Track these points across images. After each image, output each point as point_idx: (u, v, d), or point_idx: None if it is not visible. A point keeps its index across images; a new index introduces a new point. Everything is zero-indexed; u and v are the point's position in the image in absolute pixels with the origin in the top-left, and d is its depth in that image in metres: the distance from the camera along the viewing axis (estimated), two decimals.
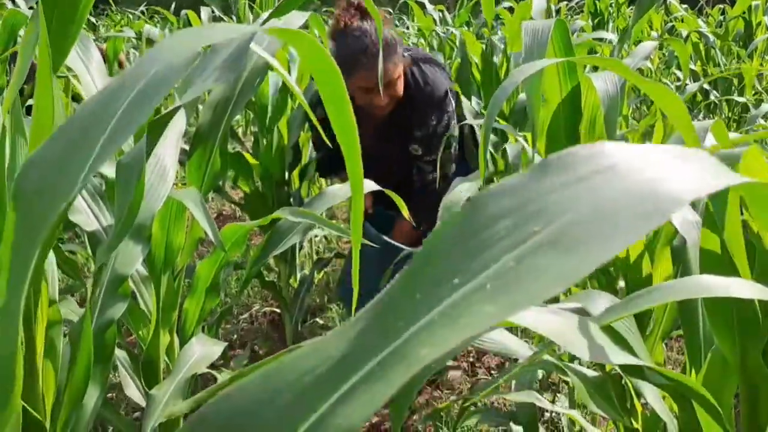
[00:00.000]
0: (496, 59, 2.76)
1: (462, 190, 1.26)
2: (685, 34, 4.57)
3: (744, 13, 4.04)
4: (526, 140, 1.51)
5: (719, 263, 0.85)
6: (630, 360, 0.59)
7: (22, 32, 1.44)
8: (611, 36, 2.58)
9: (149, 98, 0.34)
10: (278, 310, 2.57)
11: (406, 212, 1.26)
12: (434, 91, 1.87)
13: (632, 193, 0.30)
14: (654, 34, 5.69)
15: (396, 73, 1.81)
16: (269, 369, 0.32)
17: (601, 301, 0.70)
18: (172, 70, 0.34)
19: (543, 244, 0.28)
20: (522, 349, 0.91)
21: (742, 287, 0.60)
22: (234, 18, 3.23)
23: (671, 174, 0.32)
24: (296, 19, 1.02)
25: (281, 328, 2.44)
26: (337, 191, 1.22)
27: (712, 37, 4.06)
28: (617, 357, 0.57)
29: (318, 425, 0.29)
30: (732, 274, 0.79)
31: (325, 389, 0.30)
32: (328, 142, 1.78)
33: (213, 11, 4.37)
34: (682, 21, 5.14)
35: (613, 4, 7.06)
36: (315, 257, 2.79)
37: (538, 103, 1.20)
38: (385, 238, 1.77)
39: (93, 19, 8.64)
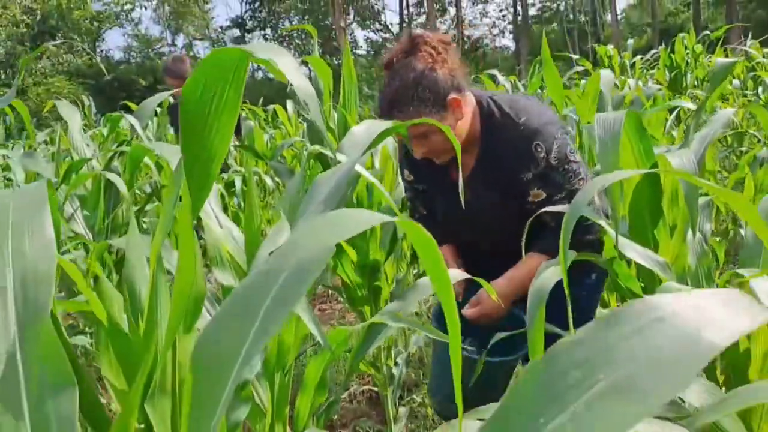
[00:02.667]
0: (571, 131, 2.83)
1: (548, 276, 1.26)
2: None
3: None
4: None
5: None
6: None
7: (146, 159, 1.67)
8: (688, 105, 2.58)
9: (297, 287, 0.45)
10: (375, 388, 2.64)
11: (493, 294, 1.25)
12: (531, 120, 1.54)
13: (679, 342, 0.38)
14: (735, 82, 5.57)
15: (421, 127, 1.50)
16: None
17: None
18: (312, 262, 0.45)
19: (608, 392, 0.36)
20: None
21: None
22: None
23: (712, 321, 0.39)
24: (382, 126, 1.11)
25: (380, 405, 2.51)
26: (430, 283, 1.30)
27: None
28: None
29: None
30: None
31: None
32: (422, 209, 1.79)
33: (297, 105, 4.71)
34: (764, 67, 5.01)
35: (690, 55, 6.98)
36: (407, 332, 2.86)
37: (617, 198, 1.26)
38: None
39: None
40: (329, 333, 1.09)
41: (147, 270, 1.02)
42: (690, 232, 1.60)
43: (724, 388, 1.27)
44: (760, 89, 5.09)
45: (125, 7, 24.64)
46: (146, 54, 27.64)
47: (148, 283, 0.84)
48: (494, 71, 6.14)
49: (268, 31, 30.17)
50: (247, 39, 31.48)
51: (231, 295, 0.51)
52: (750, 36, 8.00)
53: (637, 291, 1.44)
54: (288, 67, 0.71)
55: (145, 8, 26.46)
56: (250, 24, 30.11)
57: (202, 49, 32.52)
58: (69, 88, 18.10)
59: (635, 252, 1.33)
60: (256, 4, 29.03)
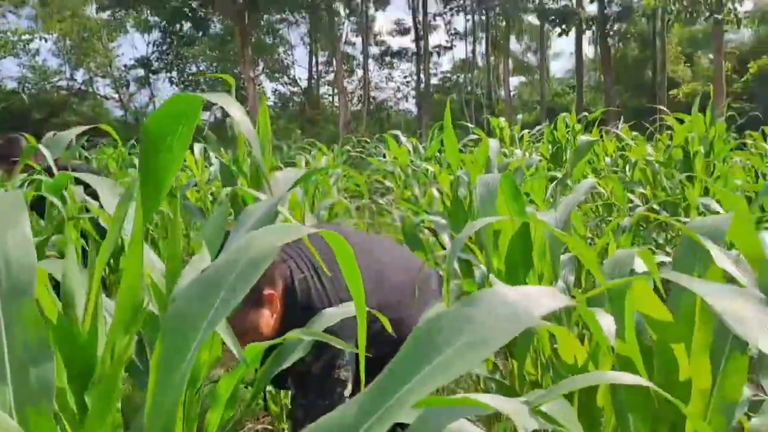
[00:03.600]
0: (463, 190, 3.14)
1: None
2: (634, 160, 5.09)
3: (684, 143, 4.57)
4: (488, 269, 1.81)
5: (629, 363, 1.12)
6: None
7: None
8: (559, 175, 2.97)
9: (250, 275, 0.62)
10: (270, 427, 2.72)
11: None
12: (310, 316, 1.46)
13: (511, 311, 0.58)
14: (608, 159, 6.27)
15: (247, 323, 1.47)
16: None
17: None
18: (261, 259, 0.62)
19: (463, 346, 0.56)
20: None
21: (625, 377, 0.86)
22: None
23: (534, 301, 0.60)
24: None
25: None
26: (335, 312, 1.46)
27: (656, 165, 4.55)
28: None
29: None
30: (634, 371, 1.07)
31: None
32: None
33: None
34: (631, 149, 5.70)
35: (570, 132, 7.74)
36: None
37: (491, 244, 1.51)
38: None
39: (86, 153, 9.09)
40: (245, 350, 1.23)
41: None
42: (555, 281, 1.88)
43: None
44: (627, 167, 5.76)
45: (23, 37, 23.54)
46: (42, 86, 26.40)
47: (92, 292, 0.96)
48: (398, 132, 6.53)
49: (175, 74, 29.80)
50: (152, 80, 30.85)
51: (196, 279, 0.67)
52: (622, 120, 8.97)
53: None
54: (237, 113, 0.89)
55: (45, 40, 25.41)
56: (156, 65, 29.62)
57: (102, 86, 31.49)
58: None
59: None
60: (164, 47, 28.69)
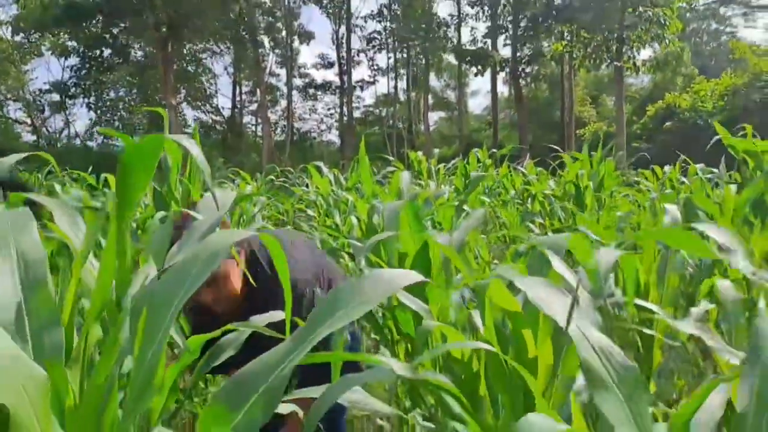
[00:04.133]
0: (377, 217, 3.49)
1: None
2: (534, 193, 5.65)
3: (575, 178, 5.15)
4: None
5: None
6: None
7: None
8: (467, 209, 3.36)
9: (209, 265, 0.91)
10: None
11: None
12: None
13: (390, 280, 0.90)
14: (513, 192, 6.85)
15: (228, 283, 1.79)
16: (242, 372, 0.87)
17: None
18: (218, 253, 0.91)
19: (356, 302, 0.87)
20: (386, 408, 1.44)
21: (479, 344, 1.19)
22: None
23: (402, 276, 0.92)
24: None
25: None
26: (276, 315, 1.73)
27: (552, 198, 5.10)
28: None
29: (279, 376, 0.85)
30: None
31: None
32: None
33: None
34: (533, 184, 6.27)
35: (481, 167, 8.32)
36: None
37: (396, 263, 1.83)
38: None
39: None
40: (189, 340, 1.48)
41: None
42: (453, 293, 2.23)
43: None
44: (530, 199, 6.34)
45: None
46: None
47: (71, 286, 1.20)
48: (320, 163, 6.86)
49: (92, 99, 29.01)
50: (68, 104, 29.86)
51: (169, 271, 0.95)
52: (528, 157, 9.69)
53: (411, 331, 2.01)
54: (193, 150, 1.18)
55: None
56: (73, 90, 28.75)
57: (13, 111, 30.18)
58: None
59: (408, 299, 1.90)
60: (82, 72, 27.95)
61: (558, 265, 1.44)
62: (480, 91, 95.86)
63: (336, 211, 5.39)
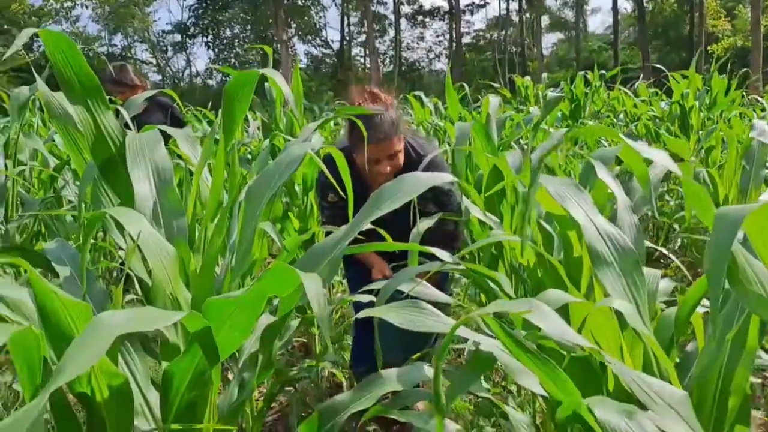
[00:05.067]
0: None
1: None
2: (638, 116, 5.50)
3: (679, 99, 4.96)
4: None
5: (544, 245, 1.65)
6: None
7: None
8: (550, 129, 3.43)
9: (288, 168, 1.18)
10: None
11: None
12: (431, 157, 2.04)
13: (423, 179, 1.13)
14: (621, 115, 6.64)
15: (399, 146, 2.09)
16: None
17: None
18: (293, 162, 1.18)
19: (398, 195, 1.10)
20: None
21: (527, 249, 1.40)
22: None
23: (432, 177, 1.14)
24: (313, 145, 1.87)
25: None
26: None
27: (658, 120, 4.98)
28: None
29: None
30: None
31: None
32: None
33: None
34: (639, 107, 6.08)
35: (590, 89, 8.07)
36: None
37: (464, 177, 2.03)
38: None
39: None
40: (286, 241, 1.80)
41: None
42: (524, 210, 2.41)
43: None
44: (636, 123, 6.15)
45: (65, 5, 24.47)
46: (85, 52, 27.30)
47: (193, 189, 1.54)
48: (420, 93, 7.02)
49: (210, 38, 30.48)
50: (188, 44, 31.58)
51: (263, 172, 1.23)
52: (641, 78, 9.21)
53: (480, 236, 2.23)
54: (282, 85, 1.44)
55: (86, 7, 26.31)
56: (192, 30, 30.32)
57: (140, 51, 32.40)
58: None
59: (476, 211, 2.11)
60: (200, 11, 29.32)
61: (602, 173, 1.59)
62: (601, 9, 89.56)
63: (435, 139, 5.57)
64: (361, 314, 1.04)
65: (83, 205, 1.54)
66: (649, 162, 1.80)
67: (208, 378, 1.04)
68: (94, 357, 0.70)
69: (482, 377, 1.95)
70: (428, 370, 1.16)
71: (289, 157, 1.22)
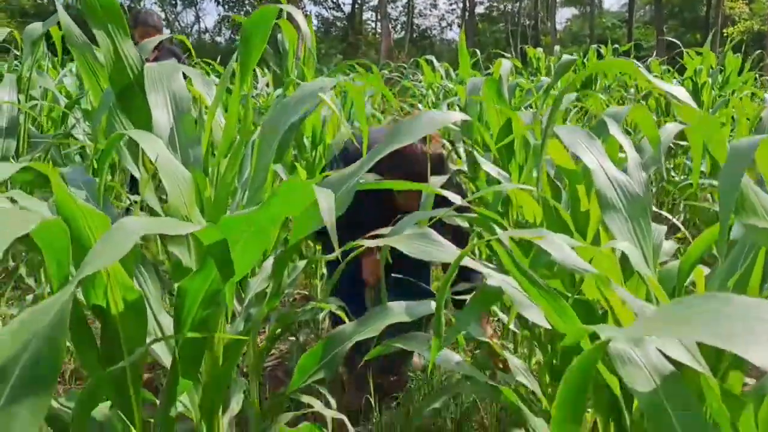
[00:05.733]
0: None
1: None
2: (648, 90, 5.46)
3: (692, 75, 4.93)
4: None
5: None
6: None
7: None
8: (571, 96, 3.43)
9: (302, 104, 1.19)
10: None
11: None
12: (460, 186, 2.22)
13: (436, 118, 1.14)
14: (631, 90, 6.60)
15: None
16: None
17: None
18: (308, 97, 1.18)
19: (413, 133, 1.12)
20: None
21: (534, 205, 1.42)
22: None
23: (445, 116, 1.15)
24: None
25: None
26: None
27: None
28: None
29: None
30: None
31: None
32: None
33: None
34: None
35: None
36: None
37: (476, 129, 2.04)
38: None
39: None
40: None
41: None
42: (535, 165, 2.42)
43: None
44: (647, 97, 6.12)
45: None
46: None
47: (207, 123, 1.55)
48: (432, 57, 6.97)
49: None
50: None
51: (278, 104, 1.25)
52: (655, 54, 9.13)
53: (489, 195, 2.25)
54: (300, 19, 1.44)
55: None
56: None
57: (149, 3, 32.01)
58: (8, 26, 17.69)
59: (488, 167, 2.12)
60: None
61: (614, 130, 1.60)
62: None
63: (445, 106, 5.56)
64: (371, 243, 1.07)
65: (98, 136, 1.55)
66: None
67: (222, 298, 1.07)
68: (119, 253, 0.72)
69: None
70: (433, 304, 1.19)
71: (304, 92, 1.23)
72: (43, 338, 0.59)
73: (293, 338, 2.80)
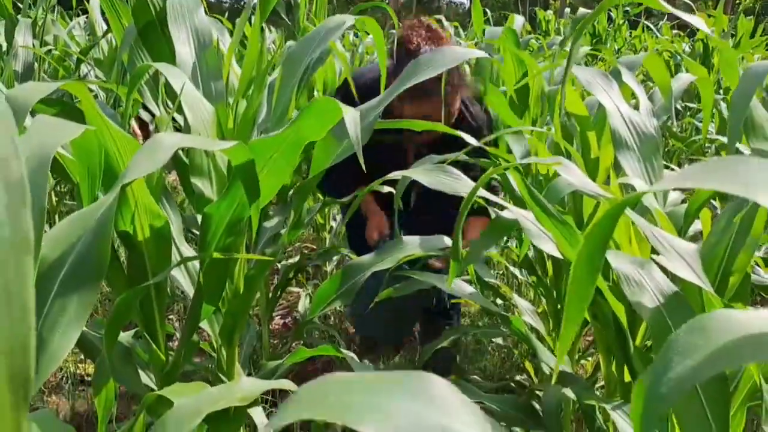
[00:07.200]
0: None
1: None
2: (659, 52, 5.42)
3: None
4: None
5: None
6: None
7: None
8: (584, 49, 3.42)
9: (325, 40, 1.21)
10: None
11: None
12: (482, 128, 2.06)
13: (451, 54, 1.16)
14: (643, 53, 6.52)
15: (455, 106, 1.87)
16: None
17: None
18: (332, 31, 1.20)
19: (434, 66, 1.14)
20: None
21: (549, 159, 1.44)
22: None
23: (464, 52, 1.17)
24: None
25: None
26: None
27: (678, 57, 4.91)
28: None
29: None
30: None
31: None
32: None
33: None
34: (661, 43, 5.99)
35: (612, 26, 7.93)
36: None
37: (488, 84, 2.05)
38: None
39: None
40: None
41: None
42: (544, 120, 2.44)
43: None
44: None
45: None
46: None
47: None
48: (441, 16, 6.89)
49: None
50: None
51: (300, 41, 1.26)
52: (666, 17, 9.01)
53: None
54: None
55: None
56: None
57: None
58: None
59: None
60: None
61: (627, 77, 1.61)
62: None
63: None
64: (394, 175, 1.10)
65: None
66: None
67: (245, 225, 1.11)
68: (157, 163, 0.75)
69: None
70: (447, 239, 1.23)
71: (329, 25, 1.25)
72: (93, 232, 0.63)
73: (302, 289, 2.85)
